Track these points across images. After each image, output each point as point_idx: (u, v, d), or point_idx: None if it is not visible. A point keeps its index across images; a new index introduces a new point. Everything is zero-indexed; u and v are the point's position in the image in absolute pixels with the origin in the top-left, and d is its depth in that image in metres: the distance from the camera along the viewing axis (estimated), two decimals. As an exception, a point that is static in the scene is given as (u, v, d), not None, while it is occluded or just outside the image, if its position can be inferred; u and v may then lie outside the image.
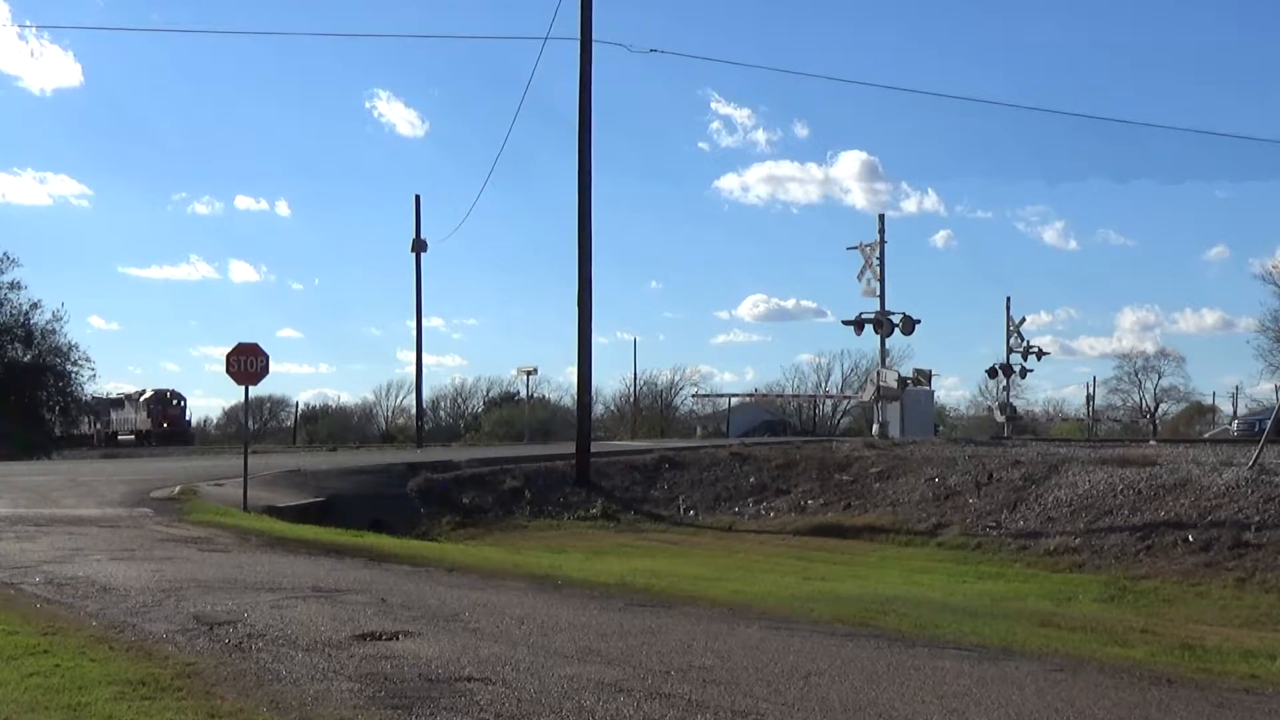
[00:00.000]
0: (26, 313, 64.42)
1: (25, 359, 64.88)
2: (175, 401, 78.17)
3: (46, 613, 9.54)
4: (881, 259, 37.21)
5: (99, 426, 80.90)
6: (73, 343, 66.72)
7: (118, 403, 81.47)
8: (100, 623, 9.08)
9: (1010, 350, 52.02)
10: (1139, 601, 16.18)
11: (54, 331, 65.04)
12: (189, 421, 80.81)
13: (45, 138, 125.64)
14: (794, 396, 77.41)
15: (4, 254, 64.57)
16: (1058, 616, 11.99)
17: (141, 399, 78.43)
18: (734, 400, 67.26)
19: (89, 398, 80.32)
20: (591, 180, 28.70)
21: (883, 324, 37.63)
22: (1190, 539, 18.59)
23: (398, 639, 8.53)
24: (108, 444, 76.00)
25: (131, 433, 78.05)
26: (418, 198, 54.53)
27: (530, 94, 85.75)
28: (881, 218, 38.35)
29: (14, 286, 64.25)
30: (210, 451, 55.72)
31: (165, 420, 76.22)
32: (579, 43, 28.58)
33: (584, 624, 9.42)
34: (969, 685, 7.33)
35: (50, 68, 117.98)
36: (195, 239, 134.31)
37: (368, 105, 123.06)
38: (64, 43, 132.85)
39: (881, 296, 37.44)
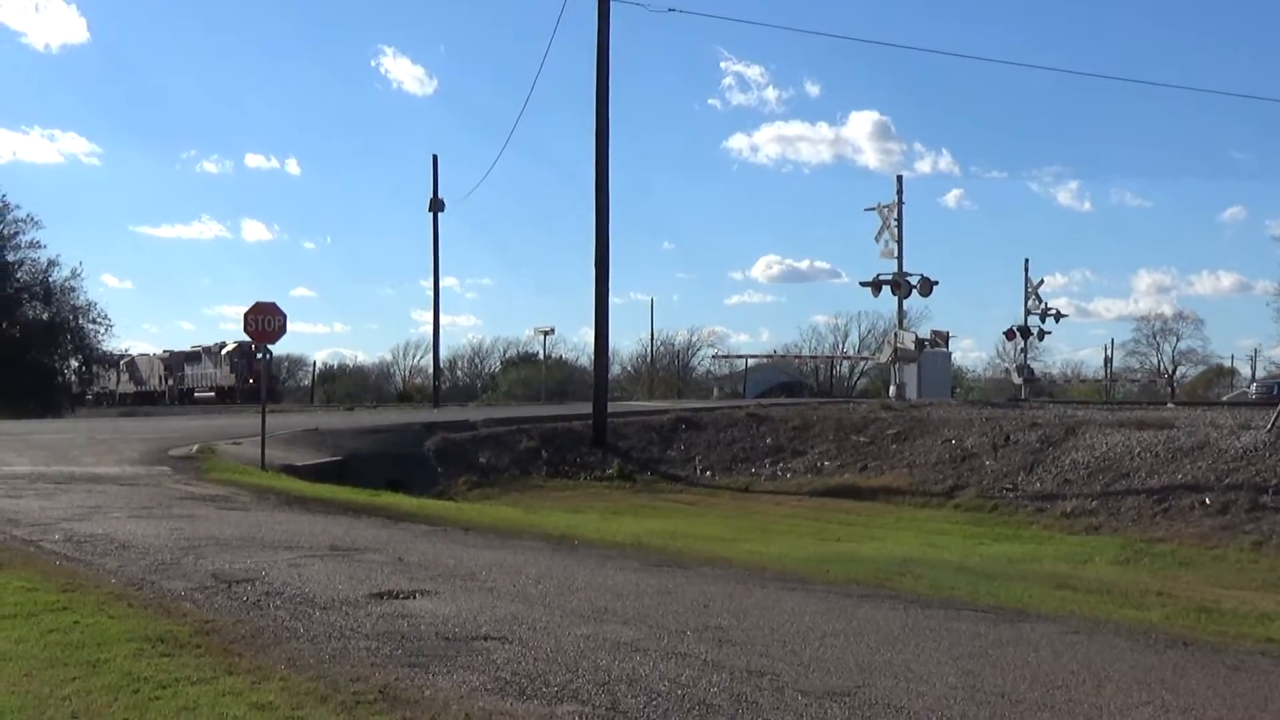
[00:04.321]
0: (45, 270, 64.84)
1: (44, 317, 65.26)
2: (261, 355, 73.74)
3: (66, 570, 9.60)
4: (900, 220, 37.15)
5: (170, 383, 77.07)
6: (90, 300, 67.09)
7: (193, 356, 77.07)
8: (119, 580, 9.14)
9: (1028, 312, 51.84)
10: (1155, 564, 16.15)
11: (73, 290, 65.43)
12: (277, 377, 74.71)
13: (52, 95, 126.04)
14: (811, 357, 77.41)
15: (27, 215, 65.07)
16: (1074, 578, 11.97)
17: (223, 352, 73.32)
18: (751, 361, 67.19)
19: (163, 353, 78.86)
20: (609, 139, 28.61)
21: (901, 285, 37.62)
22: (1207, 502, 18.53)
23: (415, 598, 8.56)
24: (183, 401, 71.68)
25: (212, 389, 73.13)
26: (435, 157, 54.31)
27: (540, 51, 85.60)
28: (900, 179, 38.40)
29: (34, 245, 64.69)
30: (228, 411, 55.90)
31: (252, 376, 67.73)
32: (596, 2, 28.33)
33: (600, 584, 9.44)
34: (985, 646, 7.33)
35: (55, 23, 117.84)
36: (206, 197, 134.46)
37: (373, 63, 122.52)
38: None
39: (900, 258, 37.41)
